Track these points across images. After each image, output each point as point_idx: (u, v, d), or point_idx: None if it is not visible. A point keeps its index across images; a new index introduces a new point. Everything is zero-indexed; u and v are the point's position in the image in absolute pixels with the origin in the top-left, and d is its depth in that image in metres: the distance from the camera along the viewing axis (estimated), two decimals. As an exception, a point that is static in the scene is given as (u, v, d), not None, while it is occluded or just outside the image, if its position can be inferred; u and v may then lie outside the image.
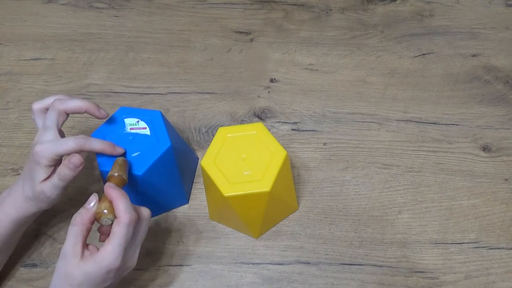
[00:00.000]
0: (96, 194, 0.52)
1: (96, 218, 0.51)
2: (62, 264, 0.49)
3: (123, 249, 0.49)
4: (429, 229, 0.64)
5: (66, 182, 0.55)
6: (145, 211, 0.53)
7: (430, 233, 0.64)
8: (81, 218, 0.50)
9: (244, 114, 0.76)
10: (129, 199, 0.51)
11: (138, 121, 0.62)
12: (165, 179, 0.62)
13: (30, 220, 0.59)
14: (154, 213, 0.65)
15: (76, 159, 0.53)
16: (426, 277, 0.61)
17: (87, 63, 0.83)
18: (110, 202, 0.51)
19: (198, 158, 0.72)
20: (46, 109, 0.58)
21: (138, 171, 0.58)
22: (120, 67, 0.82)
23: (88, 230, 0.51)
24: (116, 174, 0.54)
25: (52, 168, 0.55)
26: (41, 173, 0.54)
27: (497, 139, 0.72)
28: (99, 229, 0.53)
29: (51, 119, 0.56)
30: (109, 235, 0.50)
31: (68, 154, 0.55)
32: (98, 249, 0.50)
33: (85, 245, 0.50)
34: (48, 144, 0.54)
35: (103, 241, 0.52)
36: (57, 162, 0.55)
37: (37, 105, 0.59)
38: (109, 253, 0.49)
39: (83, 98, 0.59)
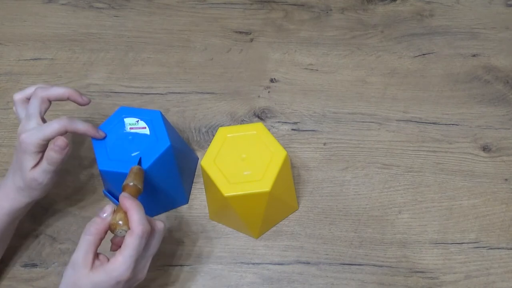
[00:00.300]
0: (112, 204, 0.52)
1: (110, 229, 0.51)
2: (71, 273, 0.49)
3: (134, 260, 0.49)
4: (429, 229, 0.64)
5: (56, 165, 0.55)
6: (159, 224, 0.53)
7: (430, 233, 0.64)
8: (95, 228, 0.50)
9: (244, 114, 0.76)
10: (144, 210, 0.51)
11: (138, 120, 0.62)
12: (164, 178, 0.62)
13: (23, 212, 0.59)
14: (153, 213, 0.65)
15: (61, 141, 0.53)
16: (426, 277, 0.61)
17: (87, 63, 0.83)
18: (125, 213, 0.51)
19: (198, 158, 0.72)
20: (28, 99, 0.59)
21: None
22: (120, 67, 0.82)
23: (101, 240, 0.50)
24: (131, 183, 0.54)
25: (40, 155, 0.55)
26: (30, 161, 0.55)
27: (497, 139, 0.72)
28: (112, 239, 0.53)
29: (34, 107, 0.57)
30: (120, 245, 0.49)
31: (54, 137, 0.55)
32: (108, 260, 0.50)
33: (96, 255, 0.50)
34: (33, 130, 0.55)
35: (115, 250, 0.51)
36: (44, 147, 0.55)
37: (18, 96, 0.59)
38: (120, 264, 0.48)
39: (65, 86, 0.59)
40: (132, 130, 0.61)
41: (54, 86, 0.59)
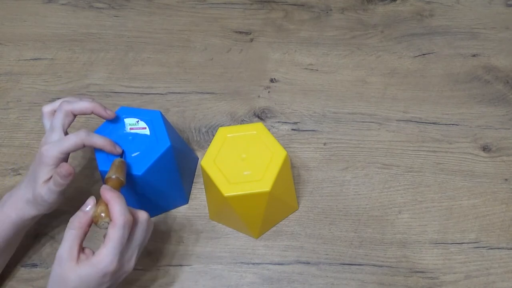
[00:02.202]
0: (94, 197, 0.52)
1: (93, 221, 0.51)
2: (58, 267, 0.49)
3: (119, 252, 0.49)
4: (429, 229, 0.64)
5: (60, 188, 0.55)
6: (141, 214, 0.53)
7: (430, 233, 0.64)
8: (78, 222, 0.50)
9: (244, 114, 0.76)
10: (125, 201, 0.51)
11: (138, 121, 0.62)
12: (164, 179, 0.62)
13: (30, 223, 0.59)
14: (153, 213, 0.65)
15: (64, 170, 0.53)
16: (426, 277, 0.61)
17: (87, 63, 0.83)
18: (107, 205, 0.51)
19: (198, 158, 0.72)
20: (55, 111, 0.59)
21: (138, 171, 0.58)
22: (120, 67, 0.82)
23: (85, 233, 0.51)
24: (113, 176, 0.54)
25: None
26: (45, 173, 0.55)
27: (497, 139, 0.72)
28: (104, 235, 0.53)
29: (58, 120, 0.57)
30: None
31: (72, 150, 0.55)
32: (94, 253, 0.50)
33: (81, 249, 0.50)
34: (53, 144, 0.55)
35: None
36: (61, 160, 0.55)
37: (47, 108, 0.59)
38: (104, 256, 0.48)
39: (91, 99, 0.59)
40: (132, 131, 0.61)
41: (79, 100, 0.59)
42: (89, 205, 0.51)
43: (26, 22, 0.89)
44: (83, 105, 0.58)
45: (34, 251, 0.64)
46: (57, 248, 0.63)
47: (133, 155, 0.59)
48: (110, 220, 0.50)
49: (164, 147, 0.59)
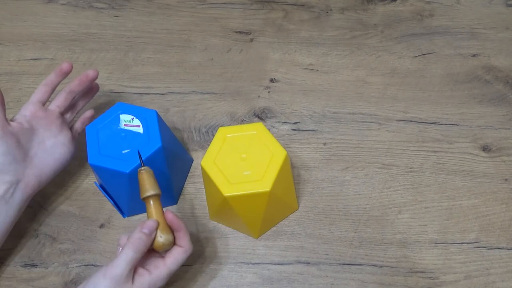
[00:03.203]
0: (156, 221, 0.53)
1: (155, 246, 0.53)
2: (111, 286, 0.49)
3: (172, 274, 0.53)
4: (429, 229, 0.64)
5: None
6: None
7: (430, 233, 0.64)
8: (144, 246, 0.51)
9: (244, 114, 0.76)
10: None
11: (133, 118, 0.62)
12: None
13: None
14: (142, 210, 0.65)
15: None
16: (426, 277, 0.61)
17: (87, 63, 0.83)
18: (172, 233, 0.53)
19: (193, 160, 0.72)
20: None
21: (126, 168, 0.58)
22: (120, 67, 0.82)
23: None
24: (153, 193, 0.54)
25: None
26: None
27: (497, 139, 0.72)
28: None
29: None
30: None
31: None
32: (148, 271, 0.52)
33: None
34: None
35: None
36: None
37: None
38: (165, 276, 0.52)
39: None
40: (126, 127, 0.61)
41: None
42: (152, 228, 0.52)
43: (26, 22, 0.89)
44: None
45: (34, 251, 0.64)
46: (57, 248, 0.64)
47: (123, 151, 0.59)
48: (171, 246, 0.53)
49: (155, 147, 0.59)
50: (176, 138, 0.69)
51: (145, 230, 0.51)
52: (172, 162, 0.64)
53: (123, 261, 0.49)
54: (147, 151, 0.59)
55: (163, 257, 0.54)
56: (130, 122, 0.62)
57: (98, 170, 0.60)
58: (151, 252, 0.54)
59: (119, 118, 0.62)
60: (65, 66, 0.64)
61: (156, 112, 0.63)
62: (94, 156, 0.59)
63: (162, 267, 0.52)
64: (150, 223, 0.52)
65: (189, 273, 0.62)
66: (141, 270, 0.52)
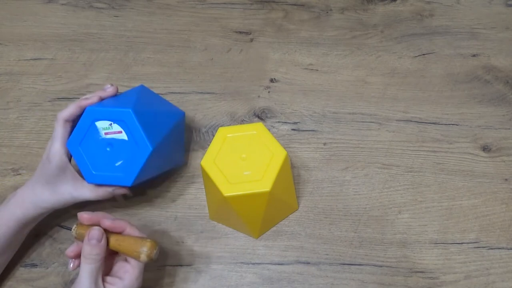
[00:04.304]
0: (99, 228, 0.52)
1: (149, 258, 0.52)
2: None
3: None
4: (429, 229, 0.64)
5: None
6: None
7: (430, 233, 0.64)
8: (98, 255, 0.51)
9: (244, 114, 0.76)
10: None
11: (111, 123, 0.56)
12: (155, 172, 0.62)
13: (33, 222, 0.60)
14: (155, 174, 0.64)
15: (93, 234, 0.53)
16: (426, 277, 0.61)
17: (87, 63, 0.83)
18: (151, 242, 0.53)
19: (184, 113, 0.68)
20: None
21: (127, 182, 0.57)
22: (120, 67, 0.82)
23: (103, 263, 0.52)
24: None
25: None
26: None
27: (497, 139, 0.72)
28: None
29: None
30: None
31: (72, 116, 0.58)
32: (119, 278, 0.52)
33: (103, 279, 0.52)
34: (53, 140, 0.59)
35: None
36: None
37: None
38: (138, 276, 0.52)
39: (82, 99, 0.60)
40: (108, 136, 0.56)
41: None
42: (99, 236, 0.52)
43: (26, 22, 0.89)
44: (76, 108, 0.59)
45: (34, 251, 0.64)
46: (57, 248, 0.64)
47: (116, 164, 0.57)
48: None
49: (147, 152, 0.56)
50: (162, 107, 0.64)
51: (92, 241, 0.51)
52: (168, 146, 0.61)
53: (84, 277, 0.50)
54: (141, 159, 0.56)
55: (126, 260, 0.54)
56: (109, 129, 0.56)
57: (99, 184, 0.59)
58: (113, 257, 0.55)
59: (96, 127, 0.57)
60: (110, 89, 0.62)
61: (132, 110, 0.56)
62: (90, 176, 0.57)
63: (131, 269, 0.52)
64: (94, 232, 0.51)
65: (189, 273, 0.62)
66: (111, 279, 0.52)
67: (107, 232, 0.53)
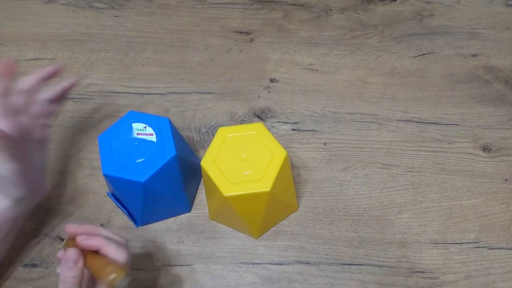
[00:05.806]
0: (75, 250, 0.49)
1: (111, 286, 0.48)
2: None
3: None
4: (429, 229, 0.64)
5: None
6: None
7: (430, 233, 0.64)
8: (74, 278, 0.48)
9: (244, 114, 0.76)
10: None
11: (146, 126, 0.62)
12: (168, 187, 0.61)
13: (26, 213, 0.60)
14: (155, 219, 0.65)
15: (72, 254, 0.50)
16: (426, 277, 0.61)
17: (87, 63, 0.83)
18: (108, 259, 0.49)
19: None
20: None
21: (141, 178, 0.57)
22: (120, 67, 0.82)
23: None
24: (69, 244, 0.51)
25: None
26: None
27: (497, 139, 0.72)
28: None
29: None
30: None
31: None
32: None
33: None
34: None
35: None
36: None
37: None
38: None
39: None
40: (139, 136, 0.61)
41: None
42: (75, 258, 0.49)
43: (26, 22, 0.89)
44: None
45: (34, 251, 0.64)
46: (57, 248, 0.64)
47: (137, 161, 0.59)
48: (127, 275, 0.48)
49: (170, 155, 0.59)
50: (188, 146, 0.69)
51: (69, 263, 0.48)
52: (186, 170, 0.63)
53: None
54: (162, 160, 0.58)
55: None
56: (143, 131, 0.61)
57: (112, 180, 0.60)
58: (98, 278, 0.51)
59: (131, 127, 0.62)
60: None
61: (169, 120, 0.62)
62: (108, 166, 0.58)
63: None
64: (70, 255, 0.48)
65: (189, 273, 0.62)
66: None
67: (85, 251, 0.50)
